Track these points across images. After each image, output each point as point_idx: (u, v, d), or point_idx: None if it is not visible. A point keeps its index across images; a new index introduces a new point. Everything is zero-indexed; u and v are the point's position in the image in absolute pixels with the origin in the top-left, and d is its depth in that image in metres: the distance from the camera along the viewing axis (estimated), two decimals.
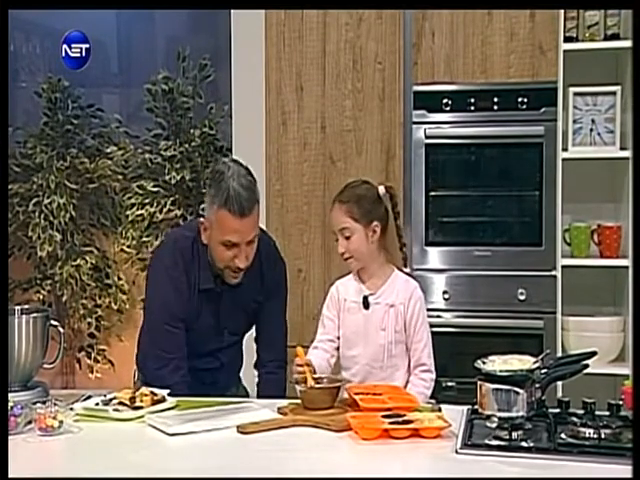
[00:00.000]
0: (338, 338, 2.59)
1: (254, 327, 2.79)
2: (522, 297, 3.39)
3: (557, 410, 2.12)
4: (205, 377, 2.66)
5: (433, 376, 2.55)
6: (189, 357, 2.60)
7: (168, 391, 2.40)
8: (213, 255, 2.57)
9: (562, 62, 3.29)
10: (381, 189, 2.59)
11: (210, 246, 2.57)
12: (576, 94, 3.35)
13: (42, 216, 5.12)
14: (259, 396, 2.70)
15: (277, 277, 2.75)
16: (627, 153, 3.24)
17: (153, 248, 2.69)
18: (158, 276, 2.66)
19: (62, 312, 5.29)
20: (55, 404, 2.16)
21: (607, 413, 2.06)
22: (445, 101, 3.47)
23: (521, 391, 1.97)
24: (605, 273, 3.43)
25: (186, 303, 2.59)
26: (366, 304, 2.55)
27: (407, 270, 2.68)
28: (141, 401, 2.32)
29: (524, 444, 1.95)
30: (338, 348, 2.59)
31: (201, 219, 2.59)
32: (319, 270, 3.60)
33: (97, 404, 2.33)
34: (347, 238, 2.52)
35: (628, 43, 3.05)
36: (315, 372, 2.42)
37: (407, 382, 2.53)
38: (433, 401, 2.31)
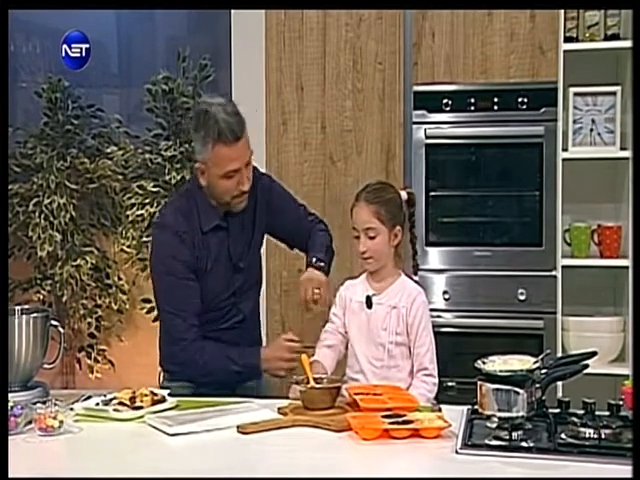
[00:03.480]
0: (346, 332, 2.61)
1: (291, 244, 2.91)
2: (522, 297, 3.39)
3: (557, 410, 2.12)
4: (230, 337, 2.66)
5: (435, 380, 2.54)
6: (211, 321, 2.64)
7: (168, 391, 2.41)
8: (216, 192, 2.61)
9: (562, 62, 3.29)
10: (404, 195, 2.63)
11: (212, 185, 2.61)
12: (576, 94, 3.35)
13: (42, 216, 5.12)
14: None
15: (276, 192, 2.82)
16: (627, 153, 3.24)
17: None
18: (160, 237, 2.70)
19: (62, 312, 5.28)
20: (55, 404, 2.16)
21: (607, 413, 2.06)
22: (445, 101, 3.47)
23: (521, 391, 1.97)
24: (605, 273, 3.43)
25: (194, 249, 2.62)
26: (369, 303, 2.57)
27: (416, 278, 2.70)
28: (141, 401, 2.32)
29: (524, 444, 1.95)
30: (346, 344, 2.62)
31: (196, 165, 2.63)
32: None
33: (97, 404, 2.33)
34: (371, 238, 2.53)
35: (628, 43, 3.05)
36: (326, 372, 2.48)
37: (409, 385, 2.53)
38: (433, 401, 2.31)
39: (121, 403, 2.31)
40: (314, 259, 2.73)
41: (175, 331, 2.63)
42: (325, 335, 2.64)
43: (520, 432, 1.97)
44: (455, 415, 2.15)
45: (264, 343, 2.93)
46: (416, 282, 2.66)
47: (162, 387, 2.62)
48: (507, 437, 1.97)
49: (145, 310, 5.28)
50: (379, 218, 2.53)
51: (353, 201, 2.59)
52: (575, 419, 2.02)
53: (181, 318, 2.61)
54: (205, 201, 2.66)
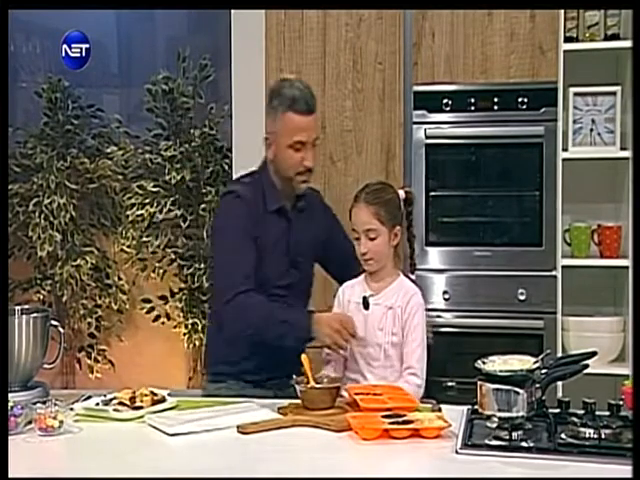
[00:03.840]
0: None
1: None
2: (522, 297, 3.39)
3: (557, 410, 2.12)
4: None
5: (419, 382, 2.49)
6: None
7: (168, 391, 2.41)
8: (282, 166, 2.68)
9: (562, 62, 3.29)
10: (401, 193, 2.63)
11: (278, 157, 2.68)
12: (576, 94, 3.35)
13: (42, 216, 5.12)
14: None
15: (330, 218, 2.92)
16: (627, 153, 3.25)
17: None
18: (227, 202, 2.77)
19: (62, 312, 5.29)
20: (55, 404, 2.16)
21: (607, 413, 2.06)
22: (445, 101, 3.47)
23: (521, 391, 1.97)
24: (605, 273, 3.43)
25: (256, 223, 2.66)
26: (366, 304, 2.56)
27: (413, 277, 2.69)
28: (141, 401, 2.32)
29: (524, 444, 1.95)
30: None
31: (265, 136, 2.71)
32: (321, 269, 3.60)
33: (97, 404, 2.33)
34: (371, 239, 2.53)
35: (628, 43, 3.05)
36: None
37: None
38: (433, 401, 2.31)
39: (121, 403, 2.31)
40: None
41: (228, 285, 2.62)
42: (331, 366, 2.60)
43: (520, 432, 1.98)
44: (455, 415, 2.15)
45: None
46: (413, 281, 2.65)
47: (204, 393, 2.70)
48: (507, 437, 1.97)
49: (145, 310, 5.29)
50: (379, 219, 2.53)
51: (352, 202, 2.59)
52: (575, 419, 2.02)
53: (236, 275, 2.61)
54: (271, 183, 2.73)
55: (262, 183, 2.74)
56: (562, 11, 3.32)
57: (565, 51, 3.30)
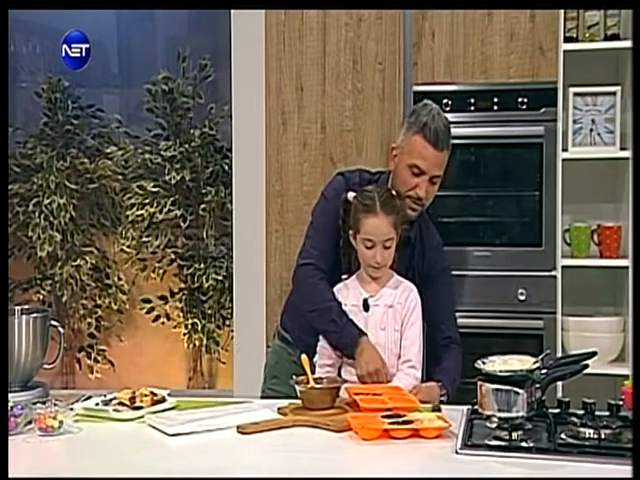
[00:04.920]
0: None
1: None
2: (522, 297, 3.39)
3: (557, 410, 2.12)
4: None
5: (418, 375, 2.52)
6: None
7: (168, 391, 2.41)
8: (397, 181, 2.69)
9: (562, 62, 3.29)
10: (394, 193, 2.64)
11: (397, 171, 2.70)
12: (576, 94, 3.35)
13: (42, 216, 5.13)
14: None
15: (440, 260, 2.80)
16: (627, 153, 3.24)
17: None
18: (334, 186, 2.80)
19: (62, 312, 5.30)
20: (55, 404, 2.16)
21: (607, 413, 2.06)
22: (445, 101, 3.46)
23: (521, 391, 1.97)
24: (605, 273, 3.43)
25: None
26: (366, 307, 2.56)
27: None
28: (141, 401, 2.32)
29: (524, 444, 1.95)
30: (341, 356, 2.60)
31: (393, 145, 2.75)
32: None
33: (97, 404, 2.33)
34: (387, 248, 2.52)
35: (628, 43, 3.05)
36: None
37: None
38: None
39: (121, 403, 2.31)
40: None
41: (300, 254, 2.73)
42: (324, 352, 2.59)
43: (520, 432, 1.98)
44: (455, 415, 2.15)
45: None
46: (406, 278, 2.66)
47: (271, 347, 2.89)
48: (507, 437, 1.97)
49: (145, 310, 5.30)
50: (395, 227, 2.54)
51: (363, 212, 2.54)
52: (575, 419, 2.02)
53: (311, 249, 2.70)
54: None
55: (378, 185, 2.71)
56: (562, 11, 3.32)
57: (565, 51, 3.29)
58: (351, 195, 2.62)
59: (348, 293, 2.61)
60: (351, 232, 2.59)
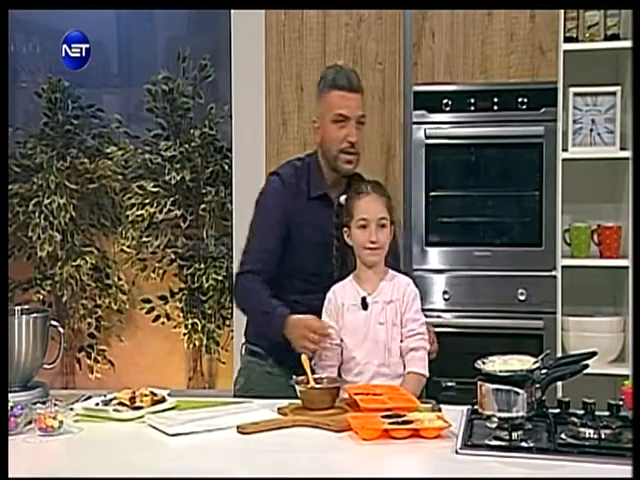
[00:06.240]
0: (341, 340, 2.58)
1: None
2: (522, 297, 3.39)
3: (557, 410, 2.12)
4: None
5: (427, 345, 2.54)
6: (285, 290, 2.68)
7: (168, 391, 2.41)
8: (326, 143, 2.71)
9: (562, 62, 3.29)
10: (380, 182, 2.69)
11: (324, 136, 2.72)
12: (576, 94, 3.35)
13: (42, 216, 5.13)
14: None
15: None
16: (627, 153, 3.24)
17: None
18: (269, 182, 2.81)
19: (62, 312, 5.30)
20: (55, 404, 2.16)
21: (607, 413, 2.06)
22: (445, 101, 3.47)
23: (521, 391, 1.97)
24: (605, 273, 3.43)
25: (295, 210, 2.71)
26: (365, 305, 2.56)
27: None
28: (141, 401, 2.32)
29: (524, 444, 1.95)
30: (341, 352, 2.59)
31: (313, 119, 2.78)
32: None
33: (97, 404, 2.33)
34: (382, 227, 2.55)
35: (628, 43, 3.05)
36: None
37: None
38: (433, 401, 2.31)
39: (121, 403, 2.31)
40: None
41: (240, 262, 2.77)
42: (326, 353, 2.56)
43: (520, 432, 1.97)
44: (455, 415, 2.15)
45: None
46: (402, 272, 2.69)
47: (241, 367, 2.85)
48: (507, 437, 1.97)
49: (145, 310, 5.30)
50: (389, 211, 2.57)
51: (356, 195, 2.57)
52: (575, 419, 2.02)
53: (248, 255, 2.74)
54: (318, 168, 2.76)
55: (309, 168, 2.77)
56: (562, 11, 3.32)
57: (565, 51, 3.29)
58: (342, 198, 2.64)
59: (345, 293, 2.60)
60: (345, 229, 2.60)
